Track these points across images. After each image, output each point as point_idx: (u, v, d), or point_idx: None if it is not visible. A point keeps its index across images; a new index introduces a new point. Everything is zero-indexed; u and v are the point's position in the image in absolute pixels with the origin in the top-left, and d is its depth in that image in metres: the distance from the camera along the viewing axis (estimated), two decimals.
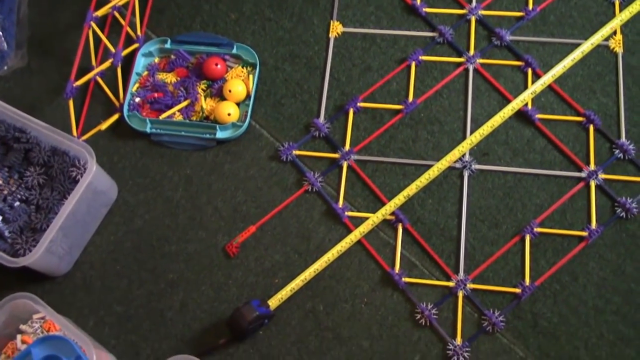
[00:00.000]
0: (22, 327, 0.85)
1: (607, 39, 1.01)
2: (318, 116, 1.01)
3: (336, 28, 1.07)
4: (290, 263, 0.94)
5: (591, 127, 0.96)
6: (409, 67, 1.03)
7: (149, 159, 1.01)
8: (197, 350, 0.90)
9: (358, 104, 1.01)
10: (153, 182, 1.00)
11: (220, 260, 0.95)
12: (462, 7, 1.06)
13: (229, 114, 0.99)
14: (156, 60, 1.06)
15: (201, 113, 1.01)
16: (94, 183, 0.91)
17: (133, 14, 1.07)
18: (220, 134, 0.99)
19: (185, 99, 1.02)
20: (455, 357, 0.86)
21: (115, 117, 1.02)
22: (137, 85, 1.04)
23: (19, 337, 0.84)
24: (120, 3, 1.04)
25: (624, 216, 0.91)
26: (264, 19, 1.08)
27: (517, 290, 0.89)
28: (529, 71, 1.00)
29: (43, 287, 0.95)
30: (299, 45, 1.06)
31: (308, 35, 1.07)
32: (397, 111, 1.00)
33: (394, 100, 1.01)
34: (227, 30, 1.08)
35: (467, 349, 0.87)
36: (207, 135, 0.99)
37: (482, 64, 1.02)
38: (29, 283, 0.93)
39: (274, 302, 0.90)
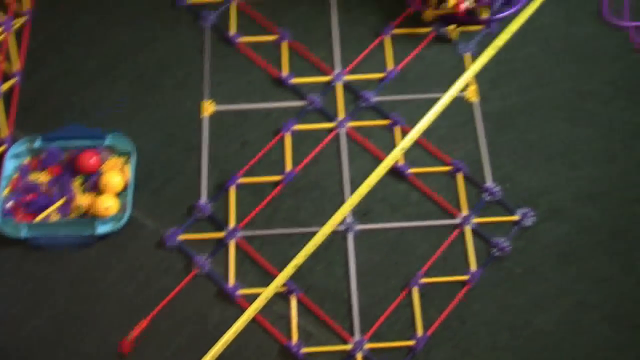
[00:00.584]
0: None
1: (462, 91, 1.08)
2: (200, 198, 1.02)
3: (208, 107, 1.08)
4: (189, 349, 0.92)
5: (459, 175, 1.02)
6: (283, 138, 1.06)
7: (29, 265, 0.97)
8: None
9: (238, 180, 1.02)
10: (35, 288, 0.96)
11: (115, 359, 0.92)
12: (327, 75, 1.10)
13: (107, 208, 0.98)
14: (26, 160, 1.03)
15: (79, 210, 0.99)
16: None
17: None
18: (101, 229, 0.97)
19: (60, 198, 0.99)
20: None
21: None
22: (7, 189, 1.00)
23: None
24: None
25: (499, 255, 0.96)
26: (136, 105, 1.09)
27: (412, 343, 0.91)
28: (397, 128, 1.06)
29: None
30: (173, 128, 1.07)
31: (182, 117, 1.08)
32: (278, 182, 1.03)
33: (273, 172, 1.03)
34: (98, 121, 1.07)
35: None
36: (88, 232, 0.97)
37: (353, 127, 1.06)
38: None
39: None
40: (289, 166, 1.03)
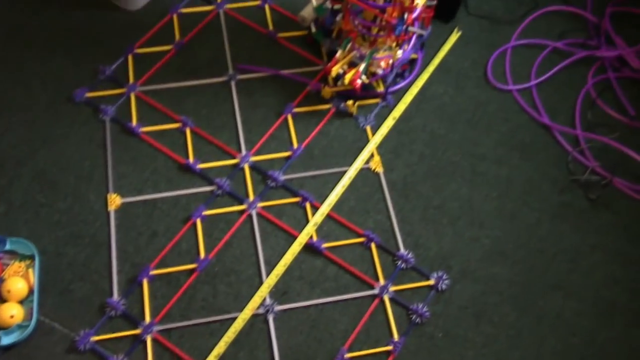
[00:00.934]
0: None
1: (367, 162, 1.12)
2: (111, 295, 0.98)
3: (114, 200, 1.06)
4: None
5: (373, 245, 1.04)
6: (194, 224, 1.04)
7: None
8: None
9: (150, 272, 1.00)
10: None
11: None
12: (233, 157, 1.11)
13: (11, 316, 0.92)
14: None
15: None
16: None
17: None
18: (5, 340, 0.92)
19: None
20: None
21: None
22: None
23: None
24: None
25: (419, 321, 0.97)
26: (36, 205, 1.05)
27: None
28: (307, 205, 1.07)
29: None
30: (78, 225, 1.04)
31: (86, 213, 1.05)
32: (192, 270, 1.01)
33: (186, 261, 1.01)
34: None
35: None
36: None
37: (263, 207, 1.07)
38: None
39: None
40: (202, 253, 1.02)
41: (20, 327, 0.93)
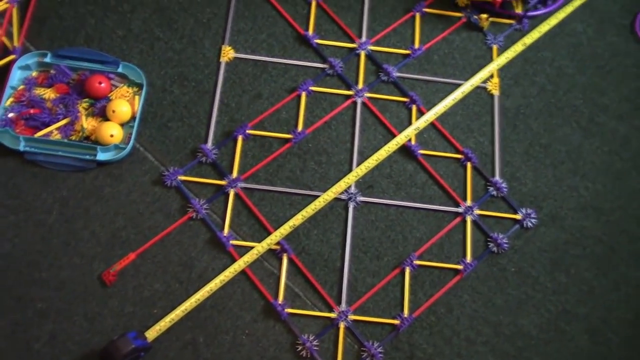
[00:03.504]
0: None
1: (485, 81, 1.07)
2: (206, 141, 0.99)
3: (227, 53, 1.06)
4: (170, 292, 0.91)
5: (469, 165, 1.01)
6: (299, 96, 1.04)
7: (21, 179, 0.95)
8: None
9: (247, 131, 1.00)
10: (24, 203, 0.94)
11: (95, 288, 0.90)
12: (352, 41, 1.08)
13: (111, 135, 0.95)
14: (34, 74, 1.00)
15: (81, 133, 0.96)
16: None
17: (10, 22, 1.00)
18: (101, 156, 0.95)
19: (64, 117, 0.96)
20: None
21: None
22: (10, 99, 0.97)
23: None
24: None
25: (496, 251, 0.96)
26: (152, 38, 1.05)
27: (396, 322, 0.91)
28: (414, 107, 1.04)
29: None
30: (188, 68, 1.04)
31: (198, 59, 1.05)
32: (286, 140, 1.01)
33: (283, 129, 1.01)
34: (113, 48, 1.04)
35: None
36: (87, 157, 0.95)
37: (370, 98, 1.05)
38: None
39: (151, 334, 0.87)
40: (300, 126, 1.01)
41: (117, 147, 0.95)
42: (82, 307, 0.89)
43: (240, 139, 1.00)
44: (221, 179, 0.97)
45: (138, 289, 0.90)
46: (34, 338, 0.87)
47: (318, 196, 0.97)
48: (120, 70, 1.00)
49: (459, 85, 1.06)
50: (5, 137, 0.94)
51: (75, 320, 0.88)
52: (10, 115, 0.95)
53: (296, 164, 1.00)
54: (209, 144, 0.99)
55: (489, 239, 0.97)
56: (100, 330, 0.88)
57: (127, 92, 0.99)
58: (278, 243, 0.94)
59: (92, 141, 0.96)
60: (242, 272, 0.92)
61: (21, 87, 0.98)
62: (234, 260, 0.93)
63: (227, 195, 0.97)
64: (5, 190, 0.94)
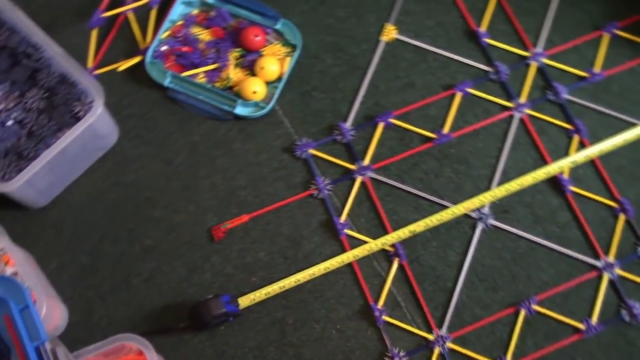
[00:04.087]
0: None
1: None
2: (345, 120, 0.95)
3: (390, 32, 0.99)
4: (273, 265, 0.88)
5: (622, 216, 0.90)
6: (453, 95, 0.96)
7: (159, 114, 0.95)
8: (151, 327, 0.85)
9: (390, 119, 0.94)
10: (156, 139, 0.94)
11: (202, 240, 0.89)
12: (525, 49, 0.98)
13: (254, 92, 0.92)
14: (195, 12, 0.98)
15: (226, 82, 0.94)
16: (95, 125, 0.85)
17: None
18: (239, 110, 0.93)
19: (213, 62, 0.95)
20: None
21: (136, 59, 0.96)
22: (167, 32, 0.96)
23: None
24: None
25: (628, 321, 0.85)
26: (317, 2, 1.01)
27: None
28: (576, 137, 0.94)
29: (13, 215, 0.89)
30: (346, 39, 0.99)
31: (359, 32, 1.00)
32: (428, 139, 0.94)
33: (427, 127, 0.95)
34: (275, 1, 1.00)
35: None
36: (226, 107, 0.93)
37: (530, 116, 0.95)
38: None
39: (244, 302, 0.85)
40: (446, 128, 0.94)
41: (256, 105, 0.93)
42: (186, 255, 0.88)
43: (381, 125, 0.94)
44: (352, 162, 0.93)
45: (242, 253, 0.89)
46: (135, 273, 0.88)
47: (447, 207, 0.90)
48: (278, 27, 0.96)
49: (635, 125, 0.94)
50: (154, 68, 0.94)
51: (176, 266, 0.88)
52: (163, 48, 0.95)
53: (432, 167, 0.93)
54: (348, 124, 0.94)
55: (622, 305, 0.86)
56: (197, 283, 0.87)
57: (280, 50, 0.96)
58: (393, 245, 0.88)
59: (234, 93, 0.94)
60: (349, 265, 0.88)
61: (180, 22, 0.97)
62: (343, 250, 0.88)
63: (354, 181, 0.92)
64: (143, 122, 0.94)
